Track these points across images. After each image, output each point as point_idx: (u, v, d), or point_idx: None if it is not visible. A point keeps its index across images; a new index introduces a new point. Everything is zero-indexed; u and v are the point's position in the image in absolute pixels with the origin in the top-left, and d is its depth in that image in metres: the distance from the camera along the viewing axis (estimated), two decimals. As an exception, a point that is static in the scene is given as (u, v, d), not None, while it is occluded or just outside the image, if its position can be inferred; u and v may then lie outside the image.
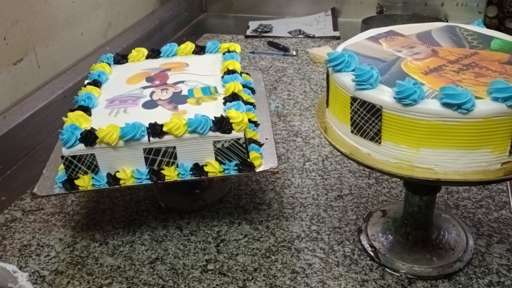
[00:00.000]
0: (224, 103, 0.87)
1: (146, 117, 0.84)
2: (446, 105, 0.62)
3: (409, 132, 0.65)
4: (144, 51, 1.10)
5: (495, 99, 0.61)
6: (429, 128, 0.64)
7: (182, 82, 0.97)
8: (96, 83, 0.98)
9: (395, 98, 0.64)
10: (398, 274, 0.80)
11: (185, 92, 0.93)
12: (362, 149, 0.71)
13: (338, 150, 0.73)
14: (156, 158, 0.82)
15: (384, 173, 0.70)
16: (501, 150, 0.65)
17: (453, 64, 0.70)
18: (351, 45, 0.79)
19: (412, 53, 0.75)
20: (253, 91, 1.02)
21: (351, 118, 0.70)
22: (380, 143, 0.68)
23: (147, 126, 0.81)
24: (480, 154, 0.65)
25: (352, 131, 0.71)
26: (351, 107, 0.69)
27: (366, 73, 0.66)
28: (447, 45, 0.76)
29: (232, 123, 0.81)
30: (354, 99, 0.68)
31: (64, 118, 0.86)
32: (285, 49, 1.62)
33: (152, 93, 0.93)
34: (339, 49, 0.77)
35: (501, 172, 0.66)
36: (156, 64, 1.06)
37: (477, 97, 0.62)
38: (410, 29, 0.83)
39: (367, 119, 0.68)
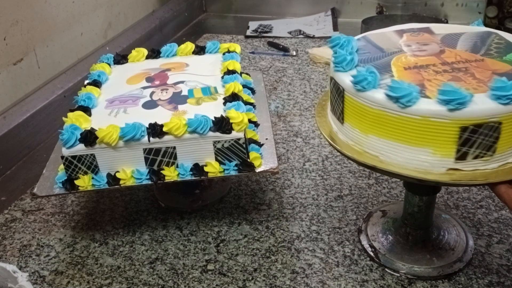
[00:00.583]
0: (224, 103, 0.87)
1: (146, 117, 0.84)
2: (388, 96, 0.64)
3: (360, 116, 0.68)
4: (144, 51, 1.10)
5: (440, 101, 0.62)
6: (374, 116, 0.66)
7: (182, 82, 0.97)
8: (96, 83, 0.98)
9: (351, 82, 0.67)
10: (398, 275, 0.80)
11: (185, 92, 0.93)
12: (334, 128, 0.76)
13: (319, 130, 0.78)
14: (156, 158, 0.82)
15: (339, 151, 0.73)
16: (444, 154, 0.65)
17: (443, 66, 0.70)
18: (373, 33, 0.81)
19: (417, 50, 0.75)
20: (253, 91, 1.02)
21: (330, 97, 0.76)
22: (342, 123, 0.73)
23: (147, 126, 0.81)
24: (421, 152, 0.65)
25: (330, 110, 0.77)
26: (329, 86, 0.75)
27: (340, 56, 0.70)
28: (462, 48, 0.74)
29: (232, 123, 0.81)
30: (331, 79, 0.74)
31: (64, 118, 0.86)
32: (285, 49, 1.62)
33: (152, 93, 0.93)
34: (360, 36, 0.81)
35: (446, 177, 0.65)
36: (156, 64, 1.06)
37: (425, 96, 0.63)
38: (446, 29, 0.81)
39: (336, 99, 0.73)
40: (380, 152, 0.68)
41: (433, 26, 0.83)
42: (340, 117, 0.72)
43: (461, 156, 0.64)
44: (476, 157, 0.64)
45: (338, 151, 0.73)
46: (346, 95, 0.69)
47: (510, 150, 0.65)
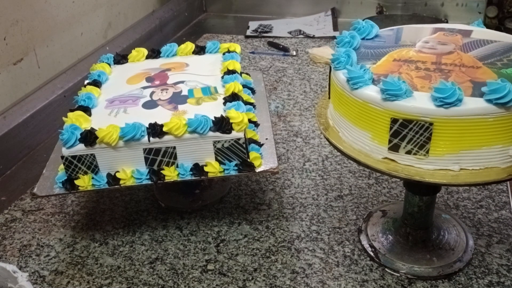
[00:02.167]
0: (224, 103, 0.87)
1: (146, 117, 0.84)
2: (345, 77, 0.70)
3: (333, 94, 0.76)
4: (144, 51, 1.10)
5: (380, 90, 0.65)
6: (338, 94, 0.73)
7: (182, 82, 0.97)
8: (96, 83, 0.98)
9: (330, 60, 0.75)
10: (398, 274, 0.80)
11: (185, 92, 0.93)
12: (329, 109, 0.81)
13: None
14: (156, 158, 0.82)
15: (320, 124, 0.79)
16: (379, 141, 0.68)
17: (432, 65, 0.71)
18: (410, 26, 0.83)
19: (428, 47, 0.76)
20: (253, 91, 1.02)
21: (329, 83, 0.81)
22: (329, 101, 0.80)
23: (147, 126, 0.81)
24: (363, 135, 0.70)
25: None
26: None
27: (341, 37, 0.78)
28: (474, 54, 0.73)
29: (232, 123, 0.81)
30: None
31: (64, 118, 0.86)
32: (285, 49, 1.62)
33: (152, 93, 0.93)
34: (396, 27, 0.84)
35: (382, 166, 0.68)
36: (156, 64, 1.06)
37: (374, 84, 0.68)
38: (486, 34, 0.79)
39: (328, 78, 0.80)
40: (340, 129, 0.74)
41: (478, 30, 0.80)
42: (328, 95, 0.80)
43: (393, 147, 0.67)
44: (408, 152, 0.67)
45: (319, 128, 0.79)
46: (331, 74, 0.76)
47: (449, 157, 0.65)
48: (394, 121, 0.65)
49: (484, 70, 0.69)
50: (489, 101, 0.62)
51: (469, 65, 0.70)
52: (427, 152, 0.66)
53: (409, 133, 0.65)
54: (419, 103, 0.63)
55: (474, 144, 0.64)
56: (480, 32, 0.80)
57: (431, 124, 0.63)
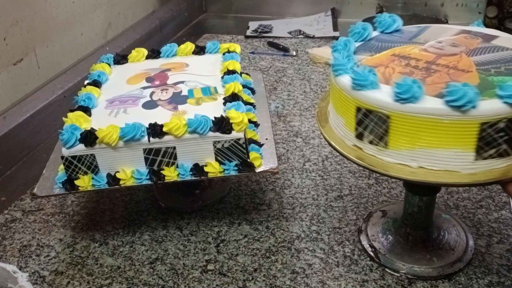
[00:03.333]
0: (224, 104, 0.87)
1: (146, 117, 0.84)
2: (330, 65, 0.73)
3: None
4: (144, 52, 1.10)
5: (351, 79, 0.68)
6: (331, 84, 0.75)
7: (182, 82, 0.97)
8: (96, 84, 0.98)
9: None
10: (398, 275, 0.80)
11: (185, 93, 0.93)
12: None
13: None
14: (156, 159, 0.82)
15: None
16: (349, 128, 0.71)
17: (424, 63, 0.71)
18: (438, 26, 0.83)
19: (435, 47, 0.75)
20: (253, 91, 1.02)
21: None
22: None
23: (147, 126, 0.81)
24: (340, 120, 0.73)
25: None
26: None
27: (353, 28, 0.80)
28: (477, 58, 0.71)
29: (232, 123, 0.81)
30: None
31: (64, 119, 0.86)
32: (285, 50, 1.62)
33: (152, 94, 0.93)
34: (425, 25, 0.84)
35: (352, 153, 0.71)
36: (156, 64, 1.06)
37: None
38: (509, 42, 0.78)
39: None
40: (329, 114, 0.78)
41: (504, 37, 0.78)
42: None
43: (359, 136, 0.70)
44: (371, 142, 0.68)
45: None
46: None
47: (407, 152, 0.66)
48: (358, 109, 0.68)
49: (472, 75, 0.67)
50: (446, 102, 0.61)
51: (460, 69, 0.69)
52: (386, 144, 0.67)
53: (370, 123, 0.67)
54: (380, 96, 0.65)
55: (430, 144, 0.64)
56: (505, 39, 0.77)
57: (388, 117, 0.65)
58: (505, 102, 0.60)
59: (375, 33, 0.82)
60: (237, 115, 0.81)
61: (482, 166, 0.64)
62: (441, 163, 0.65)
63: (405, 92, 0.62)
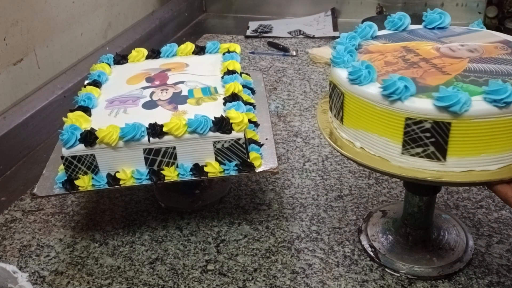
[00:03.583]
0: (224, 104, 0.87)
1: (146, 118, 0.84)
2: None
3: None
4: (144, 52, 1.10)
5: (332, 56, 0.74)
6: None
7: (182, 82, 0.97)
8: (96, 84, 0.98)
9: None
10: (398, 275, 0.80)
11: (185, 93, 0.93)
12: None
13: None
14: (156, 159, 0.82)
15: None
16: (326, 100, 0.80)
17: (418, 60, 0.73)
18: (487, 32, 0.83)
19: (449, 48, 0.75)
20: (253, 91, 1.02)
21: None
22: None
23: (147, 126, 0.81)
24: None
25: None
26: None
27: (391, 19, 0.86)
28: (473, 66, 0.70)
29: (232, 123, 0.81)
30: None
31: (64, 119, 0.86)
32: (285, 50, 1.62)
33: (152, 94, 0.93)
34: (474, 26, 0.85)
35: (326, 125, 0.77)
36: (156, 64, 1.06)
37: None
38: None
39: None
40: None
41: None
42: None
43: (330, 108, 0.78)
44: (335, 116, 0.75)
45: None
46: None
47: (352, 131, 0.72)
48: (330, 83, 0.75)
49: (445, 77, 0.68)
50: (380, 90, 0.65)
51: (442, 71, 0.69)
52: (342, 119, 0.73)
53: (334, 97, 0.74)
54: (341, 75, 0.70)
55: (367, 127, 0.69)
56: None
57: (342, 94, 0.71)
58: (434, 104, 0.62)
59: (417, 26, 0.84)
60: (237, 115, 0.81)
61: (411, 163, 0.67)
62: (376, 148, 0.69)
63: (353, 73, 0.67)
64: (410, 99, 0.63)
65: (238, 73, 0.96)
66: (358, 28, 0.82)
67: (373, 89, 0.66)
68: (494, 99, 0.60)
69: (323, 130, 0.77)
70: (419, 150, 0.65)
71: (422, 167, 0.66)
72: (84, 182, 0.83)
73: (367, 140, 0.70)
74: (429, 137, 0.64)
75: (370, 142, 0.69)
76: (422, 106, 0.62)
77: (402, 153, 0.66)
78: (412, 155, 0.66)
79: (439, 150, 0.64)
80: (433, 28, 0.84)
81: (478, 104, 0.61)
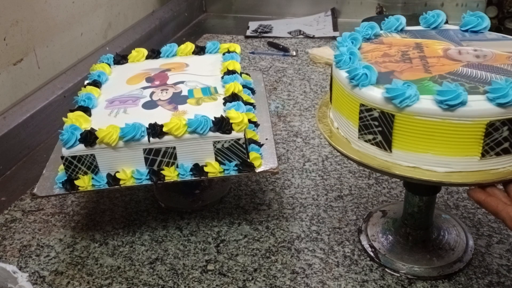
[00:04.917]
0: (224, 104, 0.87)
1: (146, 118, 0.84)
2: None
3: None
4: (144, 52, 1.10)
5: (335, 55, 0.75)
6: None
7: (182, 82, 0.97)
8: (96, 84, 0.98)
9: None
10: (398, 275, 0.80)
11: (185, 93, 0.93)
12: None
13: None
14: (156, 159, 0.82)
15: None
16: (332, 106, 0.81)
17: (416, 56, 0.74)
18: (493, 32, 0.83)
19: (460, 52, 0.75)
20: (253, 91, 1.02)
21: None
22: None
23: (147, 126, 0.81)
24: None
25: None
26: None
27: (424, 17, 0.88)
28: (463, 71, 0.70)
29: (232, 123, 0.81)
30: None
31: (64, 119, 0.86)
32: (285, 50, 1.62)
33: (152, 94, 0.93)
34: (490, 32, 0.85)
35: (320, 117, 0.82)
36: (156, 64, 1.06)
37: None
38: None
39: None
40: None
41: None
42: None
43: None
44: (330, 100, 0.80)
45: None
46: None
47: (335, 114, 0.76)
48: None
49: (422, 75, 0.68)
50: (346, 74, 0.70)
51: (428, 70, 0.69)
52: (330, 100, 0.78)
53: (329, 80, 0.79)
54: (333, 58, 0.75)
55: (340, 109, 0.74)
56: None
57: (331, 76, 0.76)
58: (382, 94, 0.65)
59: (453, 27, 0.84)
60: (237, 115, 0.81)
61: (365, 148, 0.70)
62: (344, 130, 0.73)
63: (338, 56, 0.73)
64: (369, 87, 0.67)
65: (238, 73, 0.96)
66: (386, 20, 0.85)
67: (345, 74, 0.70)
68: (441, 100, 0.62)
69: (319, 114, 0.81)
70: (370, 137, 0.69)
71: (374, 154, 0.69)
72: (84, 182, 0.83)
73: (340, 122, 0.75)
74: (377, 126, 0.67)
75: (341, 123, 0.74)
76: (373, 94, 0.66)
77: (359, 138, 0.70)
78: (366, 141, 0.70)
79: (386, 141, 0.67)
80: (466, 31, 0.82)
81: (425, 102, 0.63)
